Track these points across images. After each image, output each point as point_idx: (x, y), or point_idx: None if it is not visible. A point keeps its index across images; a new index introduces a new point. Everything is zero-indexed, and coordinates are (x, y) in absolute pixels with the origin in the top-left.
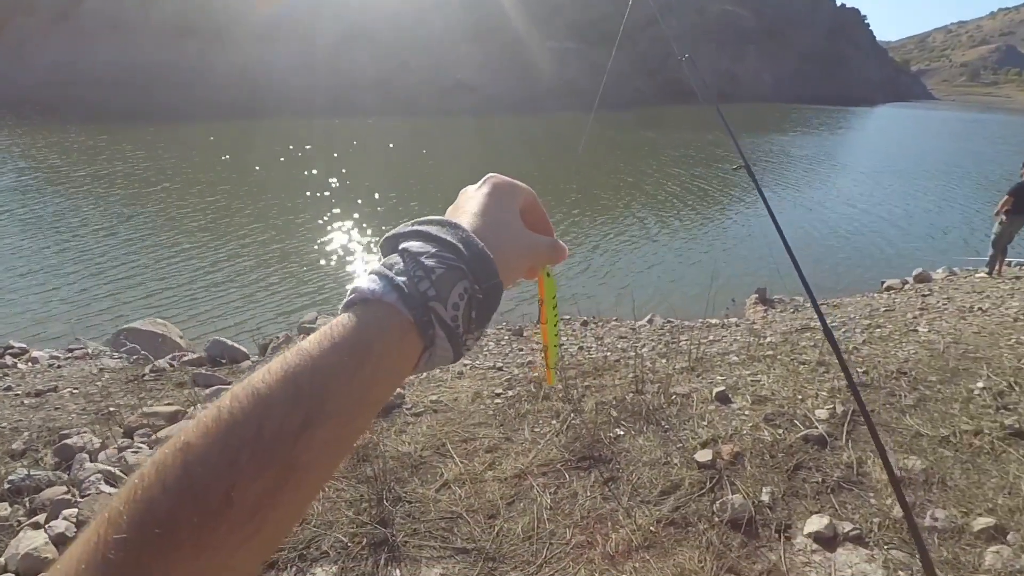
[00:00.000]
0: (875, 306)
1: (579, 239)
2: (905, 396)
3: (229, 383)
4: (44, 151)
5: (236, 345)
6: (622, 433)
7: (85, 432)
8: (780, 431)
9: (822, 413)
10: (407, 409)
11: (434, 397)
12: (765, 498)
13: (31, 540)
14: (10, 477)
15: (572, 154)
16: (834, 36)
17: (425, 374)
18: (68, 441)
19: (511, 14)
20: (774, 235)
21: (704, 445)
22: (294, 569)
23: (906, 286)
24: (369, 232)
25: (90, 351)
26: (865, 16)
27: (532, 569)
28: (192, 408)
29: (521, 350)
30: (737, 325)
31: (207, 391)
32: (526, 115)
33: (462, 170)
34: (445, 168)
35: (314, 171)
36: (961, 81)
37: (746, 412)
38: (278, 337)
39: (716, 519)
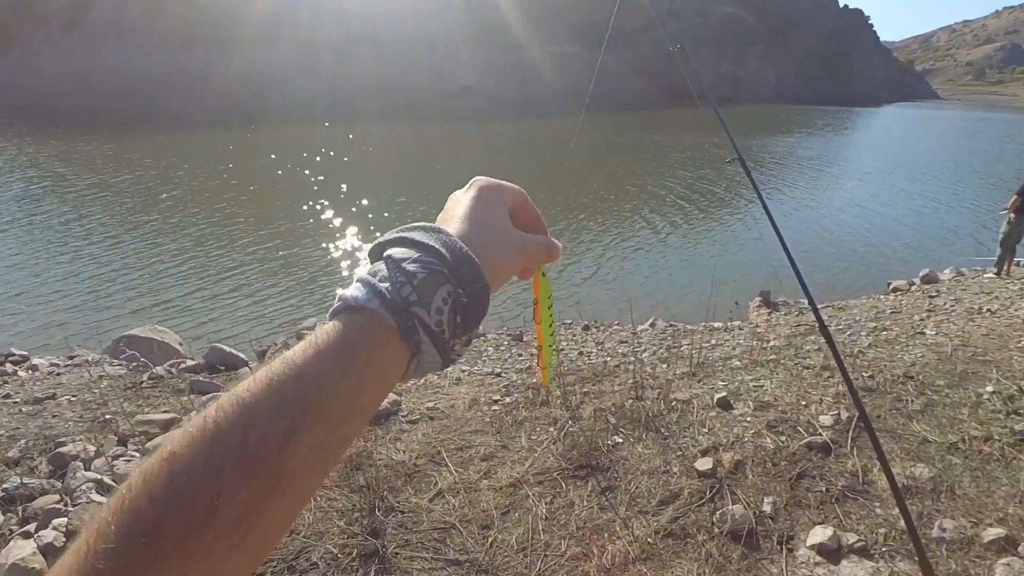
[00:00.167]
0: (881, 308)
1: (583, 243)
2: (912, 401)
3: (227, 390)
4: (52, 160)
5: (234, 352)
6: (621, 441)
7: (80, 440)
8: (783, 438)
9: (826, 419)
10: (403, 416)
11: (431, 404)
12: (767, 508)
13: (20, 550)
14: (4, 485)
15: (574, 157)
16: (837, 37)
17: (423, 380)
18: (62, 449)
19: (512, 19)
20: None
21: (704, 453)
22: None
23: (913, 287)
24: (372, 238)
25: (89, 358)
26: (868, 16)
27: None
28: (187, 416)
29: (520, 355)
30: (740, 329)
31: (204, 398)
32: (528, 119)
33: (465, 174)
34: (449, 172)
35: (321, 177)
36: (966, 80)
37: (748, 418)
38: (276, 344)
39: (716, 530)
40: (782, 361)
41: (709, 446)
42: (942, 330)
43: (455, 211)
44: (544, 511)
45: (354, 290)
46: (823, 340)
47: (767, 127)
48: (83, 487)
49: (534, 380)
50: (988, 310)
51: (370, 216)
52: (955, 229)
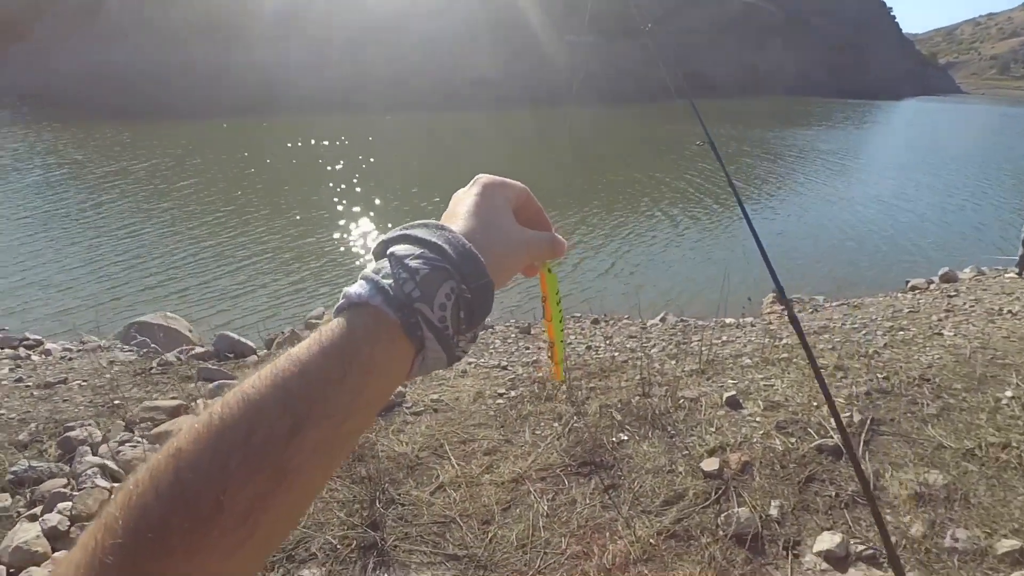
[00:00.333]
0: (898, 307)
1: (596, 236)
2: (928, 404)
3: (234, 378)
4: (69, 147)
5: (243, 340)
6: (626, 438)
7: (89, 425)
8: (792, 440)
9: None
10: (407, 408)
11: (435, 396)
12: (773, 512)
13: (25, 533)
14: (13, 468)
15: (589, 150)
16: (859, 28)
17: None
18: (71, 434)
19: (529, 8)
20: (797, 231)
21: (711, 453)
22: (281, 570)
23: (931, 286)
24: (383, 229)
25: (101, 344)
26: (891, 8)
27: None
28: (194, 403)
29: (527, 348)
30: (753, 325)
31: (210, 385)
32: (544, 109)
33: (479, 165)
34: (462, 164)
35: (335, 167)
36: (991, 74)
37: (757, 419)
38: (283, 332)
39: (720, 533)
40: (794, 360)
41: (716, 446)
42: (961, 331)
43: (459, 209)
44: (545, 508)
45: (358, 287)
46: (837, 339)
47: (786, 119)
48: (88, 472)
49: (540, 374)
50: (1009, 311)
51: (380, 205)
52: (980, 226)
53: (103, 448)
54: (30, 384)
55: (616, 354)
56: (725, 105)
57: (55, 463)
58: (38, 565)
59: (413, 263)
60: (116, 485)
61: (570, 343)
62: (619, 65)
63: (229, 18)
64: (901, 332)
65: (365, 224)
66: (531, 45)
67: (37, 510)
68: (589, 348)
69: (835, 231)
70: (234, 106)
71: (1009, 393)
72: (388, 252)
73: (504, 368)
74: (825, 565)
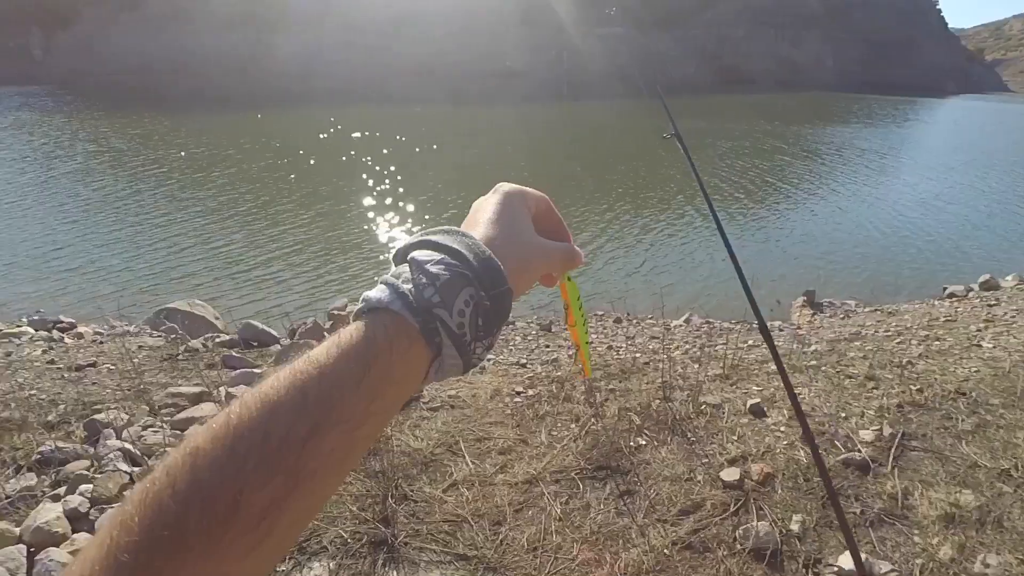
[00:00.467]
0: (935, 315)
1: (623, 235)
2: (963, 420)
3: (257, 366)
4: (109, 135)
5: (267, 329)
6: (644, 443)
7: (114, 408)
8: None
9: (867, 435)
10: (424, 403)
11: (452, 392)
12: (795, 527)
13: (47, 513)
14: (40, 448)
15: (617, 145)
16: (902, 21)
17: None
18: (97, 416)
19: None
20: (834, 233)
21: (732, 462)
22: (292, 561)
23: (971, 294)
24: (411, 221)
25: (130, 329)
26: (936, 1)
27: None
28: (216, 390)
29: (548, 346)
30: (780, 330)
31: (233, 373)
32: (573, 102)
33: (506, 159)
34: (489, 156)
35: (366, 159)
36: None
37: (782, 428)
38: (305, 323)
39: (738, 546)
40: (823, 368)
41: (738, 455)
42: (1000, 343)
43: (479, 216)
44: (558, 511)
45: (378, 291)
46: (868, 347)
47: (824, 116)
48: (111, 455)
49: (559, 374)
50: None
51: (409, 199)
52: None
53: (126, 432)
54: (61, 366)
55: (638, 355)
56: (761, 100)
57: (80, 445)
58: (57, 546)
59: (434, 268)
60: (136, 470)
61: (591, 342)
62: (650, 56)
63: (265, 9)
64: (937, 342)
65: (393, 218)
66: (561, 37)
67: (60, 491)
68: (610, 348)
69: (875, 233)
70: (268, 96)
71: None
72: (409, 257)
73: (523, 365)
74: None
